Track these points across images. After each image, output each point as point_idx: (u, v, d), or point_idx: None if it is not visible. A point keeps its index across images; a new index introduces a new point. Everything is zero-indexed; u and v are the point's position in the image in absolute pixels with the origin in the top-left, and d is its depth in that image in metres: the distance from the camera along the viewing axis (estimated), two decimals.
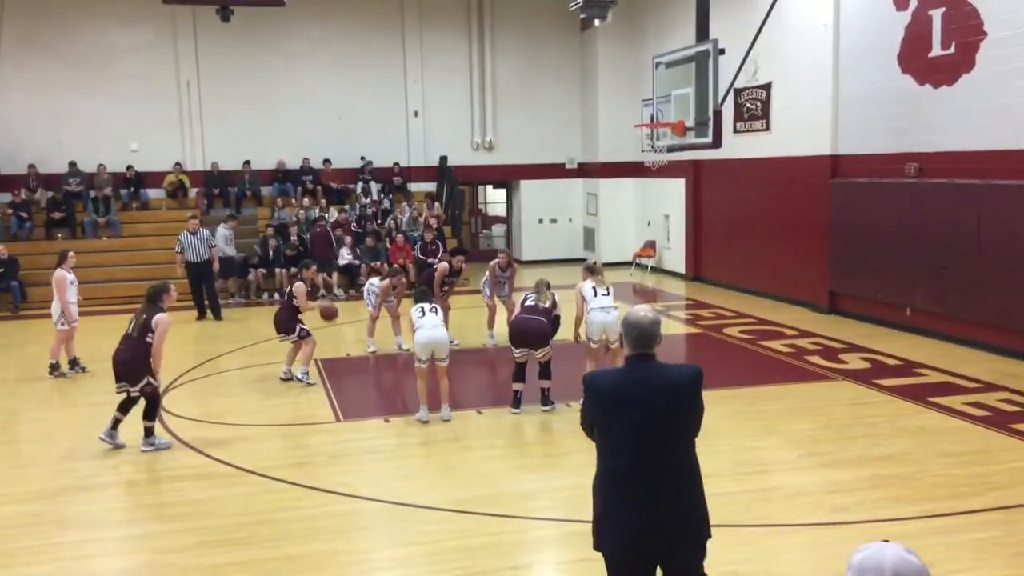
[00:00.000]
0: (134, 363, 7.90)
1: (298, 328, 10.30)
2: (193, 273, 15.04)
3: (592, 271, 9.34)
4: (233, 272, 17.18)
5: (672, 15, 18.43)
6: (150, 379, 7.93)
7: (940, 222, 11.66)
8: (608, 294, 9.06)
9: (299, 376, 10.30)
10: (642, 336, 3.59)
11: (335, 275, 17.54)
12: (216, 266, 15.43)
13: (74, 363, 11.15)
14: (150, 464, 7.73)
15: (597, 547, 3.68)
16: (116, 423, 8.04)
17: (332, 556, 5.76)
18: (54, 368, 11.01)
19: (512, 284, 12.28)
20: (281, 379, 10.43)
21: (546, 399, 9.02)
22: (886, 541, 2.12)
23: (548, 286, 9.30)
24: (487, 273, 12.12)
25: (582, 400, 3.73)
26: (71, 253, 11.34)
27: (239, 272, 17.29)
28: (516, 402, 8.99)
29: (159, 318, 7.93)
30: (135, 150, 19.72)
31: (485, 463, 7.63)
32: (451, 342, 11.95)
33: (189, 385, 10.54)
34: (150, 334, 7.89)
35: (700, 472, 3.66)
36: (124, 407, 8.06)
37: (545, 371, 9.00)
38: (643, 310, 3.68)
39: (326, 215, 19.01)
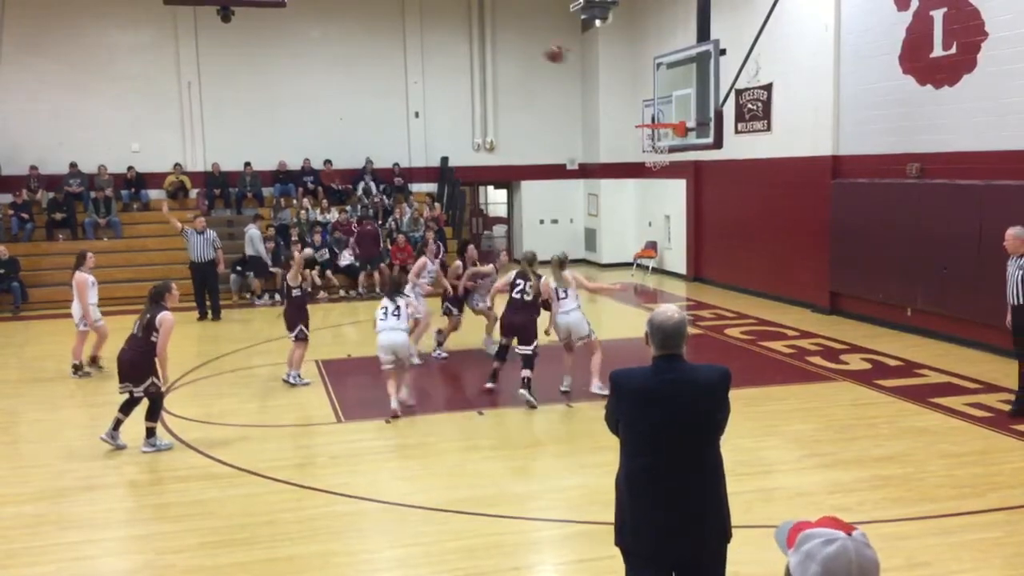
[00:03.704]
0: (139, 363, 7.91)
1: (298, 328, 10.26)
2: (197, 273, 15.03)
3: (560, 265, 9.48)
4: (264, 272, 17.22)
5: (673, 16, 18.43)
6: (154, 379, 7.94)
7: (941, 222, 11.65)
8: (567, 296, 9.31)
9: (288, 379, 10.28)
10: (666, 338, 3.56)
11: (381, 273, 17.41)
12: (221, 267, 15.44)
13: (78, 368, 11.06)
14: (151, 465, 7.73)
15: (618, 543, 3.65)
16: (118, 424, 8.03)
17: (333, 557, 5.76)
18: (78, 367, 10.98)
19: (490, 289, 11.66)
20: (284, 380, 10.43)
21: (526, 385, 9.05)
22: (833, 519, 2.07)
23: (532, 261, 9.56)
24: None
25: (608, 397, 3.71)
26: (90, 254, 11.19)
27: (261, 272, 17.31)
28: (493, 376, 9.53)
29: (163, 316, 7.94)
30: (136, 151, 19.72)
31: (486, 464, 7.62)
32: (441, 356, 11.60)
33: (190, 386, 10.55)
34: (155, 333, 7.90)
35: (724, 473, 3.64)
36: (126, 408, 8.06)
37: (528, 362, 9.14)
38: (669, 310, 3.63)
39: (369, 213, 19.18)
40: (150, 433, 8.00)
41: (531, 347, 9.17)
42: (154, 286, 8.26)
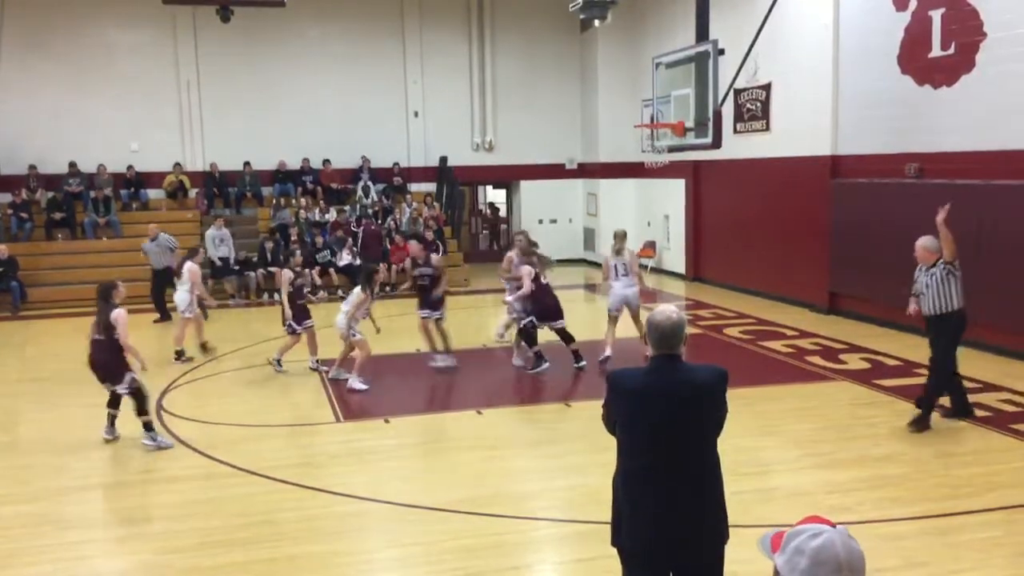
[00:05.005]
0: (111, 363, 8.02)
1: (288, 323, 10.79)
2: (156, 278, 15.02)
3: (622, 238, 10.95)
4: (228, 273, 17.18)
5: (672, 15, 18.41)
6: (131, 375, 8.01)
7: None
8: (627, 274, 10.72)
9: (311, 364, 10.95)
10: (662, 338, 3.56)
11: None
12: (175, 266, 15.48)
13: (180, 354, 11.64)
14: (150, 464, 7.74)
15: (615, 543, 3.66)
16: (113, 419, 8.18)
17: (332, 557, 5.76)
18: (180, 354, 11.61)
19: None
20: (310, 368, 10.93)
21: (578, 357, 10.43)
22: (816, 517, 2.10)
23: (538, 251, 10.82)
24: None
25: (605, 397, 3.71)
26: (202, 248, 12.50)
27: (236, 273, 17.29)
28: (539, 358, 10.37)
29: (117, 314, 8.02)
30: (135, 150, 19.71)
31: (485, 463, 7.63)
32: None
33: (189, 385, 10.55)
34: (115, 331, 7.98)
35: (721, 473, 3.64)
36: (113, 403, 8.20)
37: (567, 336, 10.46)
38: (668, 311, 3.63)
39: (368, 213, 19.25)
40: (148, 427, 8.04)
41: (563, 321, 10.53)
42: (100, 285, 8.35)
